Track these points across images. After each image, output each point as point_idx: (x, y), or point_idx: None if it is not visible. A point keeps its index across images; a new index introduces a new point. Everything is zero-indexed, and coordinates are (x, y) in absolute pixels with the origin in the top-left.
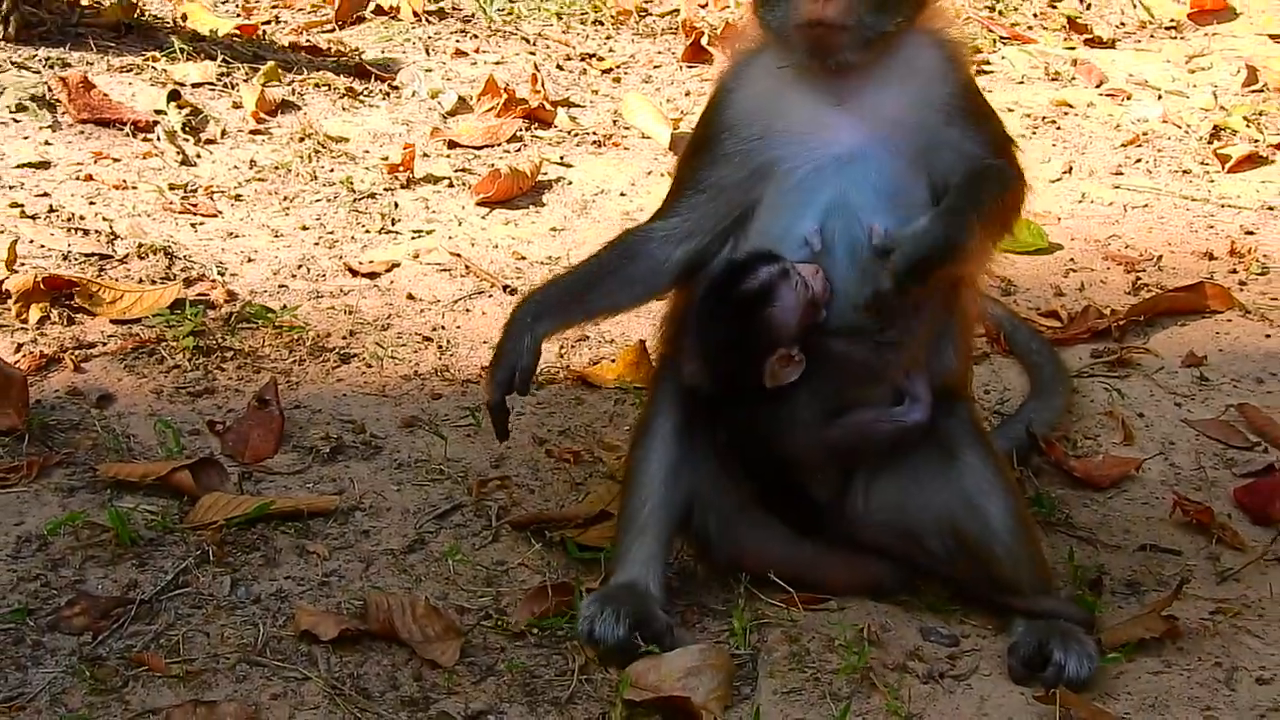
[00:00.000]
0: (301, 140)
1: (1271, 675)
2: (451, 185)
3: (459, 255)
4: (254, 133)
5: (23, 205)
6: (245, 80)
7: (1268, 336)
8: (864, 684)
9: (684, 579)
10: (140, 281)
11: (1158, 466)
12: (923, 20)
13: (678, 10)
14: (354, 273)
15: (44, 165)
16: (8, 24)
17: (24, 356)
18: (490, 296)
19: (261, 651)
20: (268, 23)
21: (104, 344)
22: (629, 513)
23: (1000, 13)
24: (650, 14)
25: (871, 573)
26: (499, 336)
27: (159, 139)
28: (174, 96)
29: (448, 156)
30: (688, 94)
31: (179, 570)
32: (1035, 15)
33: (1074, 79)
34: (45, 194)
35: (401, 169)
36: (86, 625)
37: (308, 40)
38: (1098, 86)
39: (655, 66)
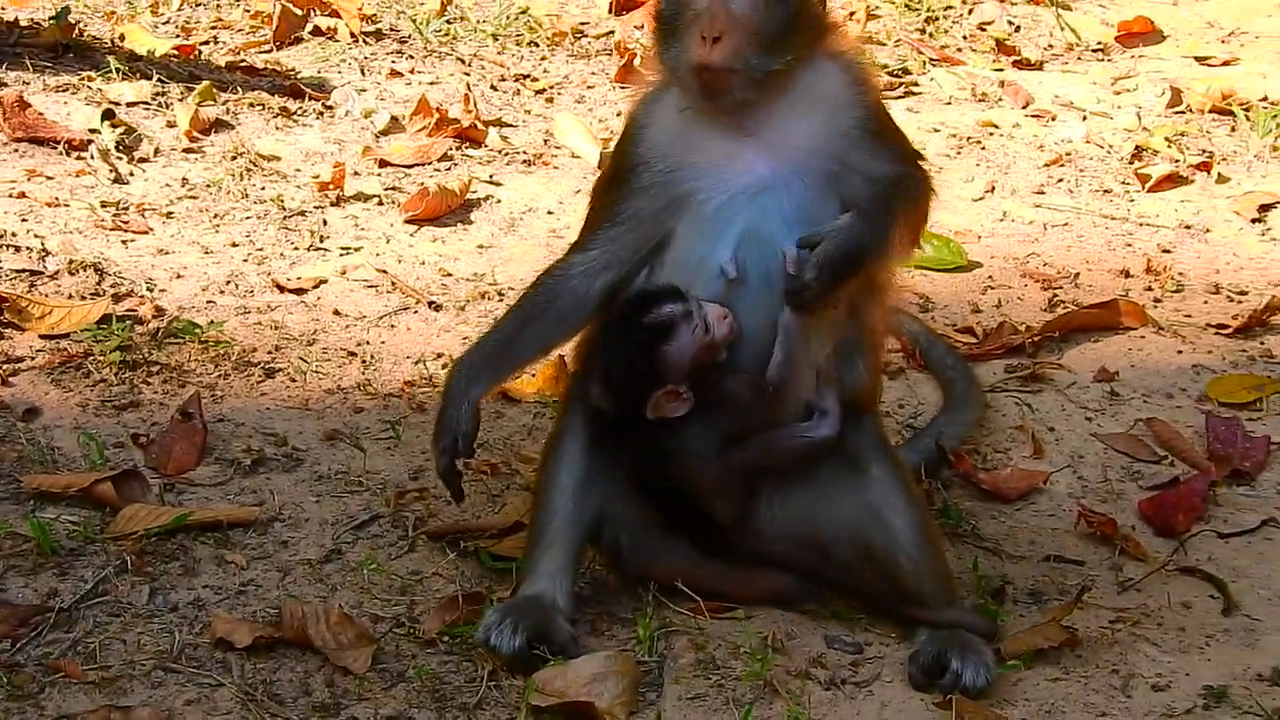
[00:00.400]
0: (234, 159)
1: (1167, 682)
2: (381, 203)
3: (385, 272)
4: (187, 151)
5: None
6: (180, 100)
7: (1179, 352)
8: (766, 690)
9: (596, 588)
10: (70, 297)
11: (1065, 479)
12: (823, 49)
13: (613, 32)
14: (281, 289)
15: None
16: None
17: None
18: (415, 313)
19: (177, 658)
20: (206, 43)
21: (32, 358)
22: (538, 526)
23: (931, 35)
24: (586, 35)
25: (778, 585)
26: (439, 403)
27: (92, 157)
28: (108, 115)
29: (378, 175)
30: (619, 114)
31: (98, 579)
32: (965, 38)
33: (1001, 100)
34: None
35: (332, 187)
36: (5, 633)
37: (244, 60)
38: (1024, 107)
39: (589, 87)
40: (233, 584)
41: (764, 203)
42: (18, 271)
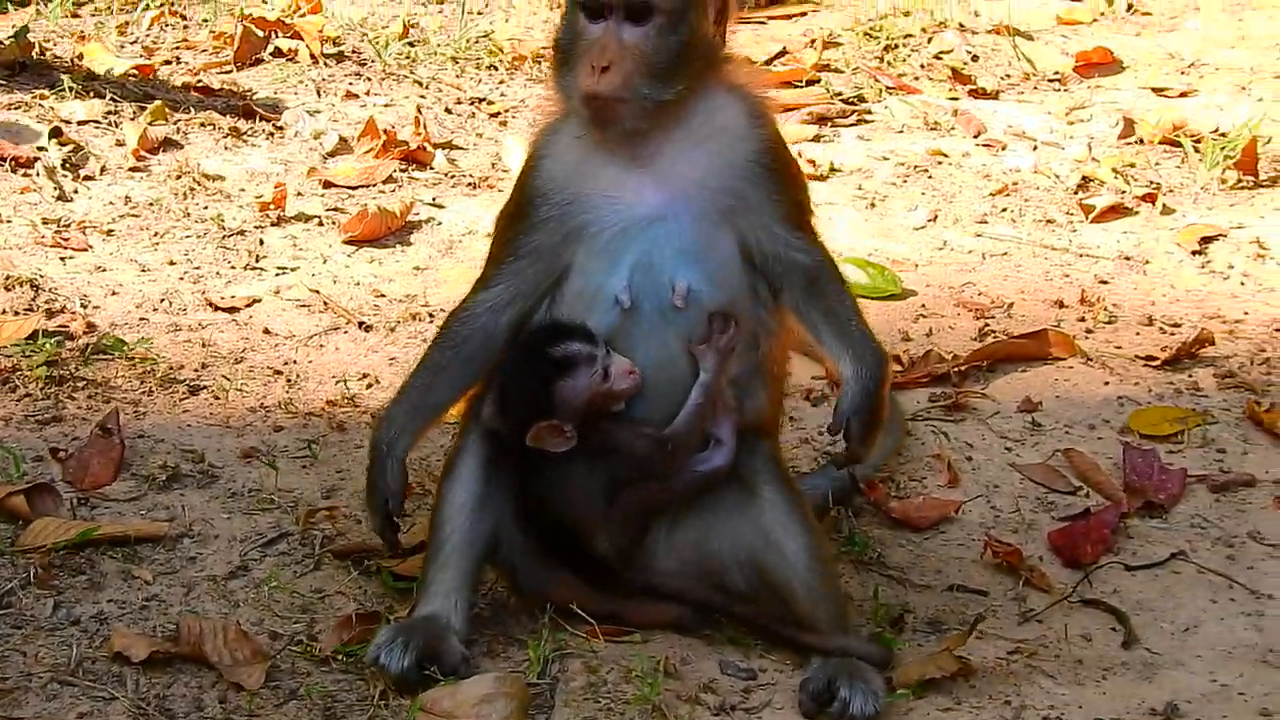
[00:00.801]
0: (178, 178)
1: (1058, 715)
2: (321, 224)
3: (318, 292)
4: (133, 170)
5: None
6: (131, 119)
7: (1105, 384)
8: (655, 715)
9: (496, 609)
10: (3, 313)
11: (979, 509)
12: (720, 79)
13: None
14: (214, 307)
15: None
16: None
17: None
18: (345, 333)
19: (74, 671)
20: (168, 63)
21: None
22: (434, 545)
23: (889, 63)
24: (546, 60)
25: (673, 612)
26: (367, 464)
27: (38, 175)
28: (55, 133)
29: (321, 196)
30: None
31: (3, 591)
32: (922, 66)
33: (953, 129)
34: None
35: (273, 207)
36: None
37: (201, 81)
38: (976, 136)
39: None
40: (137, 599)
41: (655, 233)
42: None
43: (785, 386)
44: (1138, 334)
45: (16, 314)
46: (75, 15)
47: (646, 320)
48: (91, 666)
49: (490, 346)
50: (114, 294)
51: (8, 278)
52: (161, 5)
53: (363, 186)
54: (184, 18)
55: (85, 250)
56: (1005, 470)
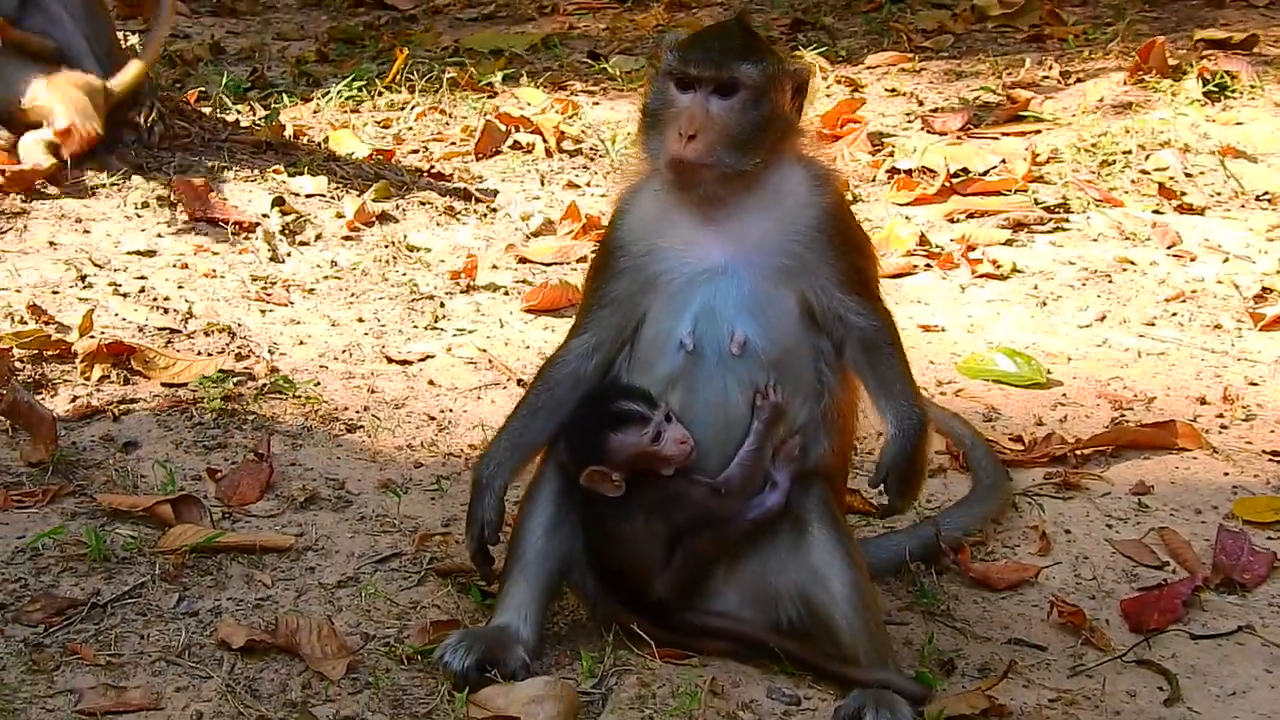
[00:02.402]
0: (385, 247)
1: None
2: (507, 294)
3: (485, 351)
4: (345, 238)
5: (119, 284)
6: (357, 195)
7: (1225, 474)
8: None
9: (573, 627)
10: (199, 354)
11: (1061, 576)
12: (791, 151)
13: None
14: (389, 360)
15: (150, 254)
16: (151, 133)
17: (75, 405)
18: (504, 388)
19: (180, 654)
20: (415, 151)
21: (147, 401)
22: (510, 563)
23: (1102, 178)
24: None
25: (729, 645)
26: (469, 497)
27: (257, 238)
28: (278, 203)
29: (514, 270)
30: None
31: (137, 584)
32: (1133, 181)
33: (1148, 240)
34: (143, 276)
35: (463, 276)
36: (41, 619)
37: (435, 167)
38: (1169, 248)
39: None
40: (252, 598)
41: (718, 286)
42: (159, 329)
43: (851, 437)
44: (1272, 432)
45: (210, 355)
46: (355, 110)
47: (708, 365)
48: (198, 651)
49: (577, 390)
50: (301, 344)
51: (209, 324)
52: (431, 105)
53: (556, 264)
54: (447, 115)
55: (286, 305)
56: (1099, 544)
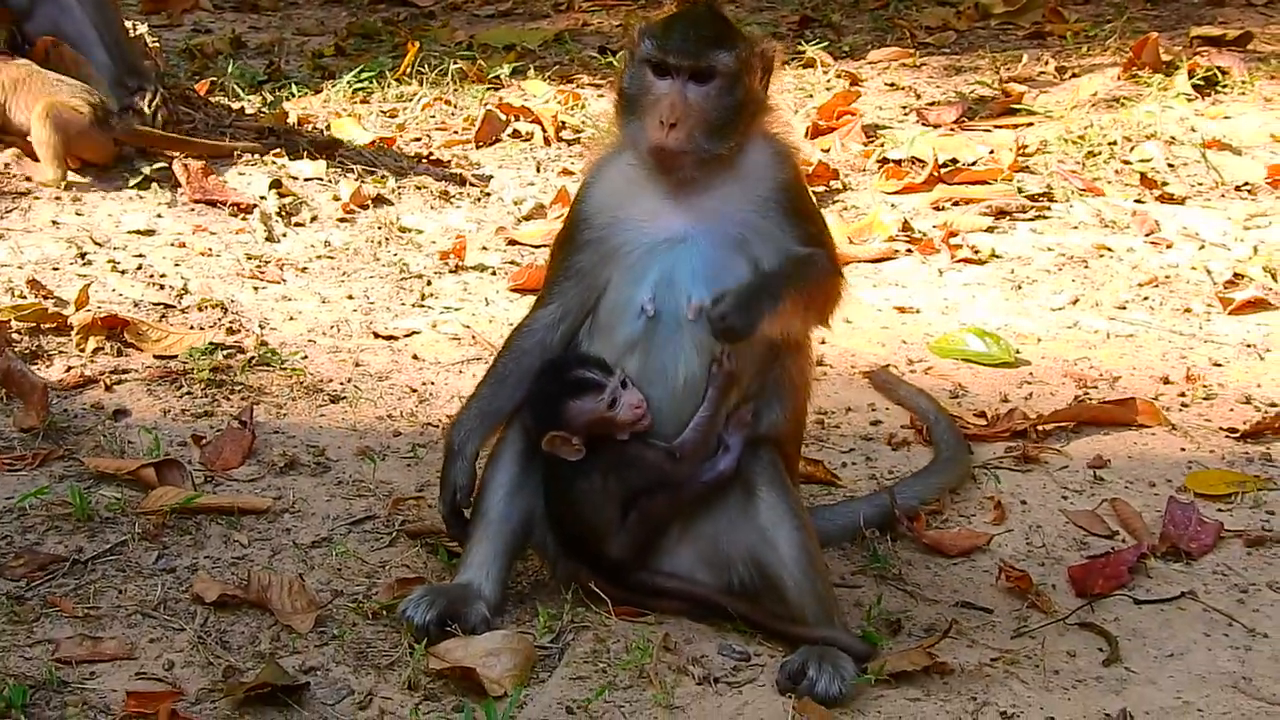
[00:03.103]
0: (378, 228)
1: (1017, 712)
2: (495, 274)
3: (469, 327)
4: (340, 220)
5: (118, 262)
6: (355, 178)
7: (1181, 450)
8: (643, 679)
9: (536, 586)
10: (191, 328)
11: (1013, 544)
12: (758, 129)
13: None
14: (375, 335)
15: (150, 233)
16: (155, 118)
17: (69, 375)
18: (485, 362)
19: (156, 607)
20: (416, 139)
21: (139, 372)
22: (474, 522)
23: (1087, 168)
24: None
25: (680, 605)
26: (442, 462)
27: (254, 219)
28: (276, 185)
29: (503, 252)
30: None
31: (119, 542)
32: (1116, 172)
33: (1127, 228)
34: (141, 255)
35: (452, 256)
36: (24, 574)
37: (436, 154)
38: (1146, 235)
39: None
40: (228, 557)
41: (676, 254)
42: (155, 304)
43: (804, 404)
44: (1231, 410)
45: (201, 329)
46: (364, 101)
47: (666, 330)
48: (173, 605)
49: (546, 358)
50: (291, 319)
51: (203, 300)
52: (437, 96)
53: (544, 246)
54: (453, 106)
55: (278, 283)
56: (1053, 515)
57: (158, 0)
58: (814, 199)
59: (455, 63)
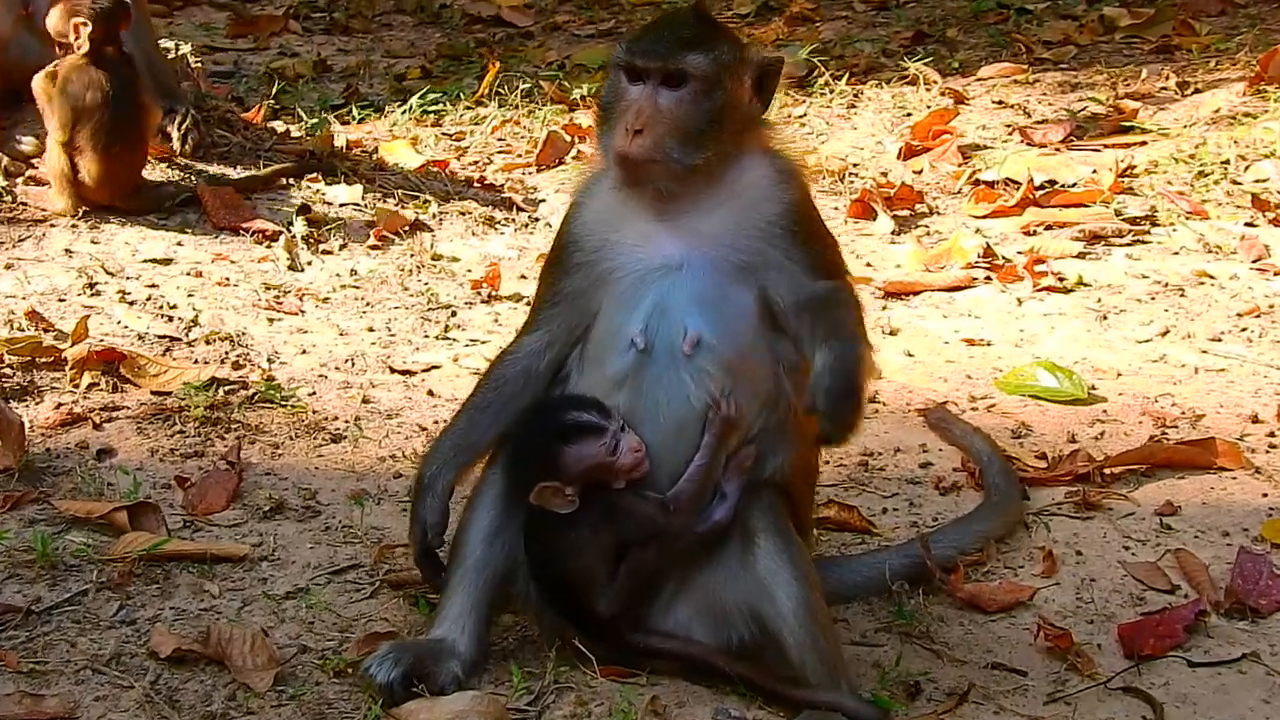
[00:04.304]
0: (411, 256)
1: None
2: (529, 304)
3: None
4: (372, 248)
5: (128, 292)
6: (396, 204)
7: (1264, 495)
8: None
9: (521, 642)
10: (196, 362)
11: (1062, 599)
12: (754, 144)
13: (887, 172)
14: (391, 370)
15: (167, 261)
16: (185, 141)
17: (57, 412)
18: None
19: (108, 662)
20: (474, 163)
21: (132, 409)
22: (450, 571)
23: (1196, 189)
24: (855, 175)
25: (676, 665)
26: (412, 497)
27: (279, 246)
28: (304, 210)
29: None
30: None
31: (78, 591)
32: (1227, 194)
33: (1234, 253)
34: (154, 285)
35: (484, 285)
36: None
37: (491, 179)
38: (1254, 262)
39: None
40: (195, 608)
41: (671, 281)
42: (160, 337)
43: (814, 448)
44: None
45: (206, 363)
46: (436, 124)
47: (659, 364)
48: (126, 660)
49: (531, 387)
50: (304, 352)
51: (212, 333)
52: (507, 118)
53: None
54: (524, 128)
55: (295, 314)
56: (1110, 567)
57: (245, 24)
58: (824, 221)
59: (538, 84)
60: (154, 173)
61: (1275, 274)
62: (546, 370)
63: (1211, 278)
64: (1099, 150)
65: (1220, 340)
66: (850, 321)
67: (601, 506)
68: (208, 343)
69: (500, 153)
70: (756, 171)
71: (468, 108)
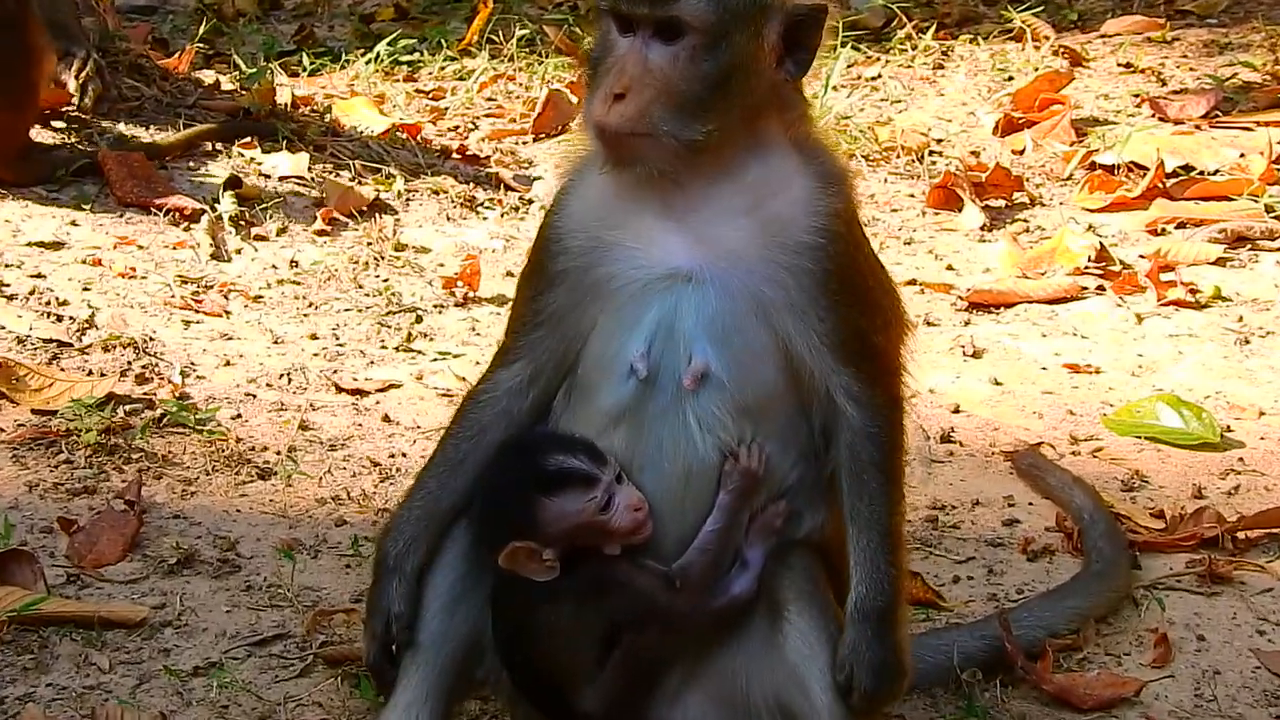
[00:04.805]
0: (367, 245)
1: None
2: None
3: (467, 380)
4: (319, 233)
5: (6, 284)
6: (353, 179)
7: None
8: None
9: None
10: (90, 374)
11: (1178, 695)
12: (781, 128)
13: (979, 153)
14: (338, 388)
15: (57, 245)
16: (84, 93)
17: None
18: None
19: None
20: (454, 128)
21: (7, 431)
22: (403, 649)
23: None
24: (938, 154)
25: None
26: (372, 578)
27: (200, 229)
28: (234, 184)
29: None
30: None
31: None
32: None
33: None
34: (40, 275)
35: (459, 284)
36: None
37: (474, 149)
38: None
39: (893, 210)
40: (79, 685)
41: (679, 296)
42: (45, 340)
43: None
44: None
45: (103, 375)
46: (410, 79)
47: (663, 396)
48: None
49: (511, 430)
50: (227, 364)
51: (111, 336)
52: (501, 73)
53: None
54: (521, 85)
55: (218, 315)
56: (1240, 656)
57: None
58: (874, 257)
59: (541, 30)
60: (44, 134)
61: None
62: (530, 411)
63: None
64: (1250, 129)
65: None
66: (886, 521)
67: (589, 576)
68: (106, 349)
69: (488, 116)
70: (787, 168)
71: (450, 58)
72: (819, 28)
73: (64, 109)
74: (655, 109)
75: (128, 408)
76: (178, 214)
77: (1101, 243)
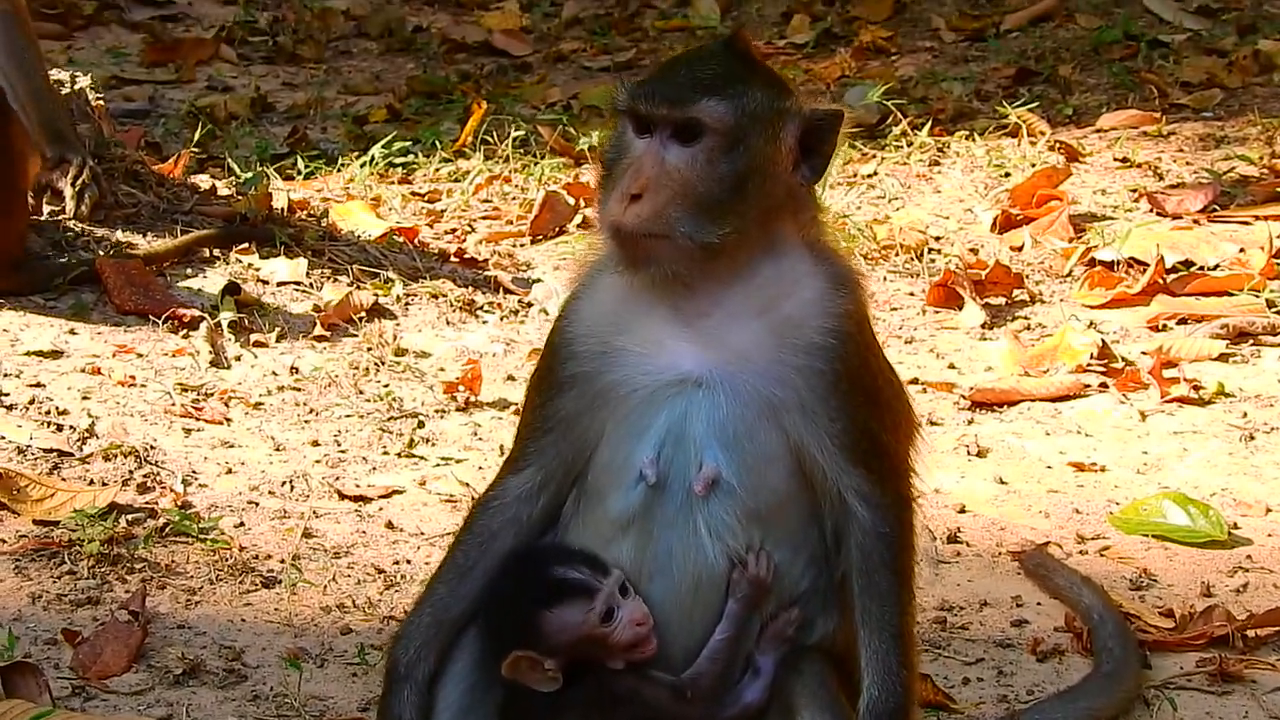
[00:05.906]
0: (367, 350)
1: None
2: (518, 414)
3: (471, 486)
4: (318, 338)
5: (5, 394)
6: (350, 284)
7: None
8: None
9: None
10: (91, 483)
11: None
12: (794, 230)
13: (977, 250)
14: (341, 495)
15: (55, 354)
16: (80, 201)
17: None
18: None
19: None
20: (451, 231)
21: (9, 543)
22: None
23: None
24: (935, 252)
25: None
26: (381, 690)
27: (199, 336)
28: (231, 290)
29: None
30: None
31: None
32: None
33: None
34: (39, 384)
35: (461, 389)
36: None
37: (471, 251)
38: None
39: (892, 309)
40: None
41: (689, 402)
42: (46, 450)
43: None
44: None
45: (104, 484)
46: (405, 181)
47: (673, 503)
48: None
49: (520, 537)
50: (229, 472)
51: (112, 445)
52: (496, 174)
53: None
54: (516, 187)
55: (219, 423)
56: None
57: (165, 49)
58: (883, 358)
59: (536, 131)
60: (39, 242)
61: None
62: (540, 519)
63: None
64: (1249, 223)
65: None
66: (896, 625)
67: (595, 687)
68: (107, 458)
69: (485, 218)
70: (798, 271)
71: (445, 160)
72: (835, 133)
73: (59, 217)
74: (672, 210)
75: (130, 517)
76: (176, 321)
77: (1103, 340)
